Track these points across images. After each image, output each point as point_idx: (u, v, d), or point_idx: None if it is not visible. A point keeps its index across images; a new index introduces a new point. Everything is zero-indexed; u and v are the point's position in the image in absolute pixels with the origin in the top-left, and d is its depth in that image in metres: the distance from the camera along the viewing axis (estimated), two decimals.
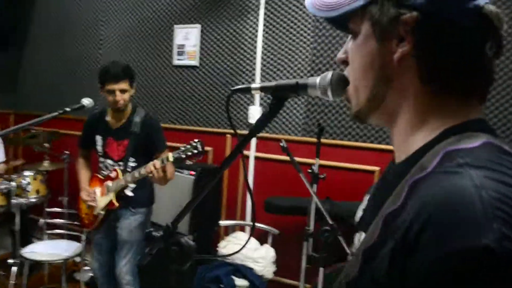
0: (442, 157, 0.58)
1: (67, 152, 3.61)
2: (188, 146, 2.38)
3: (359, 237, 0.80)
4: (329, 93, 0.85)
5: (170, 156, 2.40)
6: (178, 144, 3.32)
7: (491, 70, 0.66)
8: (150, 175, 2.46)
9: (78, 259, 3.34)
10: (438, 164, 0.57)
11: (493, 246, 0.46)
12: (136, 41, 4.13)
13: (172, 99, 3.99)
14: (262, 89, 1.05)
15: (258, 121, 1.06)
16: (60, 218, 3.62)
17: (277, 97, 1.03)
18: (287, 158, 3.41)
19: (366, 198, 0.89)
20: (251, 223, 3.47)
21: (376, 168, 3.20)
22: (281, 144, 2.46)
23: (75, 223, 3.56)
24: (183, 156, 2.38)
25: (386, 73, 0.68)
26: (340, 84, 0.84)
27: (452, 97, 0.65)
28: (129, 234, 2.72)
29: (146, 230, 2.74)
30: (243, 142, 1.12)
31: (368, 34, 0.69)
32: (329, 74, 0.85)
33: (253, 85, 1.07)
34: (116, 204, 2.63)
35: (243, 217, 3.62)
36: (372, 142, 3.22)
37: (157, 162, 2.44)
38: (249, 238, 1.21)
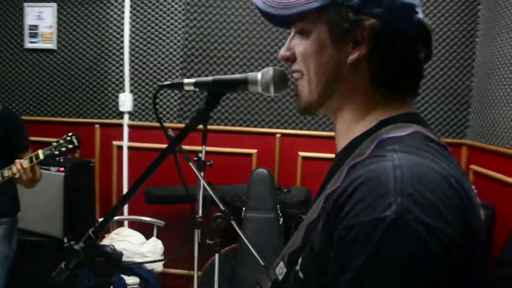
0: (377, 144, 0.66)
1: None
2: (61, 141, 2.16)
3: None
4: (272, 89, 0.88)
5: (40, 153, 2.14)
6: (39, 139, 2.99)
7: (422, 71, 0.77)
8: (17, 175, 2.17)
9: None
10: (373, 150, 0.65)
11: (393, 217, 0.53)
12: None
13: (27, 87, 3.53)
14: (196, 84, 1.00)
15: (193, 118, 1.01)
16: None
17: (213, 93, 0.99)
18: (160, 145, 3.35)
19: None
20: (132, 217, 3.33)
21: (254, 151, 3.32)
22: (169, 133, 2.38)
23: None
24: (56, 152, 2.15)
25: (338, 72, 0.74)
26: (282, 80, 0.87)
27: (393, 95, 0.74)
28: None
29: (12, 242, 2.43)
30: (177, 141, 1.06)
31: (323, 36, 0.73)
32: (270, 70, 0.87)
33: (185, 81, 1.02)
34: None
35: (121, 212, 3.43)
36: (248, 126, 3.32)
37: (25, 162, 2.16)
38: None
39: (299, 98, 0.80)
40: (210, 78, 0.97)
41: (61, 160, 2.88)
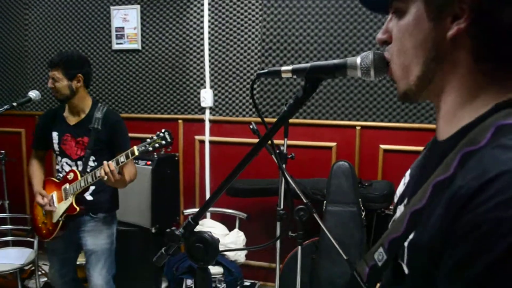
0: (495, 131, 0.59)
1: (2, 151, 3.28)
2: (155, 137, 2.24)
3: (401, 210, 0.81)
4: (372, 73, 0.85)
5: (135, 150, 2.22)
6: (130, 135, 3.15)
7: None
8: (105, 178, 2.22)
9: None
10: (491, 138, 0.58)
11: None
12: (68, 24, 3.80)
13: (115, 86, 3.75)
14: (293, 71, 0.99)
15: (290, 106, 1.01)
16: (2, 224, 3.29)
17: (311, 80, 0.97)
18: (240, 140, 3.40)
19: (407, 174, 0.90)
20: (215, 209, 3.42)
21: (333, 144, 3.28)
22: (251, 126, 2.42)
23: (21, 227, 3.27)
24: (150, 148, 2.23)
25: (438, 51, 0.68)
26: (383, 64, 0.84)
27: (505, 74, 0.66)
28: (95, 244, 2.50)
29: (113, 237, 2.56)
30: (274, 129, 1.06)
31: (420, 13, 0.69)
32: (370, 54, 0.85)
33: (283, 68, 1.01)
34: (77, 208, 2.40)
35: (202, 203, 3.54)
36: (327, 118, 3.28)
37: (112, 163, 2.23)
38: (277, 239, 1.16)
39: (397, 83, 0.76)
40: (307, 64, 0.96)
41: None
